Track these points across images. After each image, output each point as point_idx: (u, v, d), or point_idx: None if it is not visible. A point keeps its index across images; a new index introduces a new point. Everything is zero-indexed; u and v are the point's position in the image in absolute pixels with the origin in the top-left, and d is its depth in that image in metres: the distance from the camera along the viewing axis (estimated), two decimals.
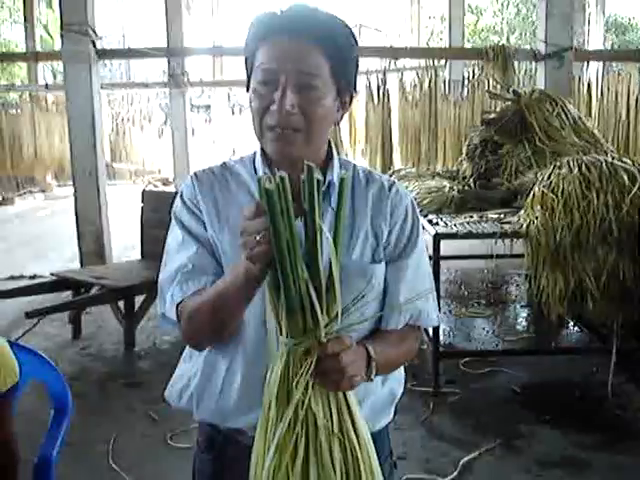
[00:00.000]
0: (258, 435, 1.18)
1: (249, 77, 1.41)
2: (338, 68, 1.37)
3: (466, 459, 3.36)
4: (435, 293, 1.52)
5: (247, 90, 1.43)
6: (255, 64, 1.37)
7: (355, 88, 1.44)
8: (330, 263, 1.13)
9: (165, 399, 1.59)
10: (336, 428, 1.13)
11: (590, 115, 7.86)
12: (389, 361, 1.40)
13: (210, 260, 1.42)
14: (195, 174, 1.49)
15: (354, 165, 1.51)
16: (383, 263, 1.44)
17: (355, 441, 1.14)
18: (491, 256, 5.04)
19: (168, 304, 1.42)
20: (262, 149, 1.45)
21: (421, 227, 1.52)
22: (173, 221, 1.47)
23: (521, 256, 4.17)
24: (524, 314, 5.83)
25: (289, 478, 1.13)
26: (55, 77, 19.57)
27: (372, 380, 1.32)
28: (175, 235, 1.46)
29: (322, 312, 1.11)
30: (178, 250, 1.44)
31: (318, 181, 1.11)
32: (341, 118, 1.45)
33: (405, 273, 1.45)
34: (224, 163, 1.52)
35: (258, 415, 1.20)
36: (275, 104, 1.33)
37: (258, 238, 1.12)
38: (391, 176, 3.96)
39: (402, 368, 1.56)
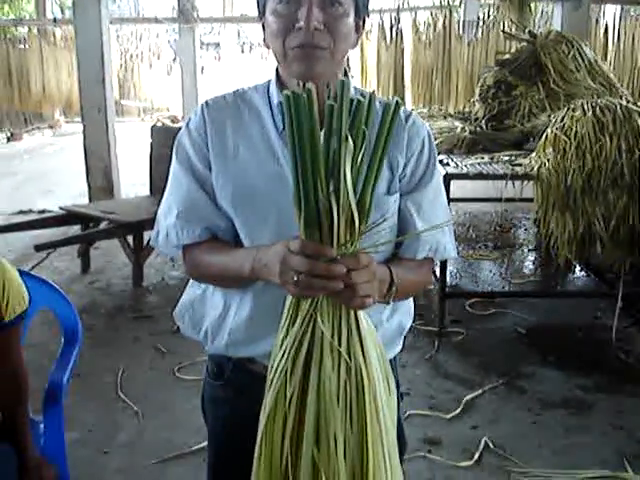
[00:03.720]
0: (272, 354, 1.18)
1: (262, 1, 1.38)
2: None
3: (469, 397, 3.41)
4: (452, 226, 1.52)
5: (260, 17, 1.40)
6: None
7: (368, 11, 1.42)
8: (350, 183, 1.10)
9: (175, 322, 1.59)
10: (343, 348, 1.13)
11: (606, 59, 7.73)
12: (407, 287, 1.40)
13: (206, 199, 1.41)
14: (206, 103, 1.46)
15: (369, 94, 1.49)
16: (397, 195, 1.42)
17: (362, 365, 1.14)
18: (500, 199, 5.02)
19: (161, 240, 1.45)
20: (277, 76, 1.43)
21: (437, 160, 1.50)
22: (175, 149, 1.45)
23: (530, 200, 4.15)
24: (531, 258, 5.83)
25: (291, 403, 1.14)
26: (63, 11, 19.26)
27: (389, 303, 1.33)
28: (175, 166, 1.45)
29: (339, 229, 1.10)
30: (176, 183, 1.44)
31: (351, 99, 1.09)
32: (356, 42, 1.42)
33: (421, 205, 1.44)
34: (237, 90, 1.49)
35: (269, 343, 1.21)
36: (300, 22, 1.30)
37: (295, 278, 1.11)
38: None
39: (412, 300, 1.57)
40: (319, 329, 1.13)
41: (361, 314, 1.17)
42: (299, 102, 1.06)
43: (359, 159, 1.11)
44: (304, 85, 1.08)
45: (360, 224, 1.11)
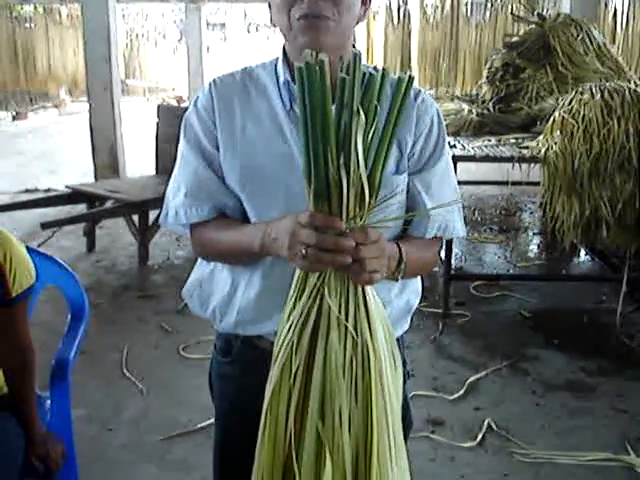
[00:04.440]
0: (279, 328, 1.19)
1: None
2: None
3: (473, 378, 3.42)
4: (461, 205, 1.51)
5: None
6: None
7: None
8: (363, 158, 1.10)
9: (182, 299, 1.60)
10: (350, 323, 1.14)
11: (614, 42, 7.69)
12: (415, 265, 1.40)
13: (214, 178, 1.41)
14: (214, 81, 1.46)
15: (382, 69, 1.48)
16: (406, 174, 1.42)
17: (369, 340, 1.14)
18: (506, 183, 5.02)
19: (171, 219, 1.45)
20: (284, 54, 1.42)
21: (447, 138, 1.49)
22: (183, 128, 1.45)
23: (536, 184, 4.15)
24: (536, 241, 5.83)
25: (297, 376, 1.15)
26: None
27: (397, 280, 1.33)
28: (183, 145, 1.45)
29: (348, 202, 1.10)
30: (184, 162, 1.44)
31: (363, 73, 1.09)
32: (364, 16, 1.41)
33: (430, 184, 1.43)
34: (245, 68, 1.49)
35: (277, 321, 1.21)
36: None
37: (304, 252, 1.12)
38: None
39: (419, 279, 1.57)
40: (326, 303, 1.14)
41: (369, 290, 1.17)
42: (311, 72, 1.06)
43: (370, 134, 1.10)
44: (317, 55, 1.08)
45: (370, 198, 1.11)
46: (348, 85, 1.07)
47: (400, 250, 1.32)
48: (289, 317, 1.16)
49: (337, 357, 1.13)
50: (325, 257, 1.11)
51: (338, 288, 1.15)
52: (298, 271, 1.18)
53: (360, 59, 1.08)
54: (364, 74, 1.09)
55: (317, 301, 1.14)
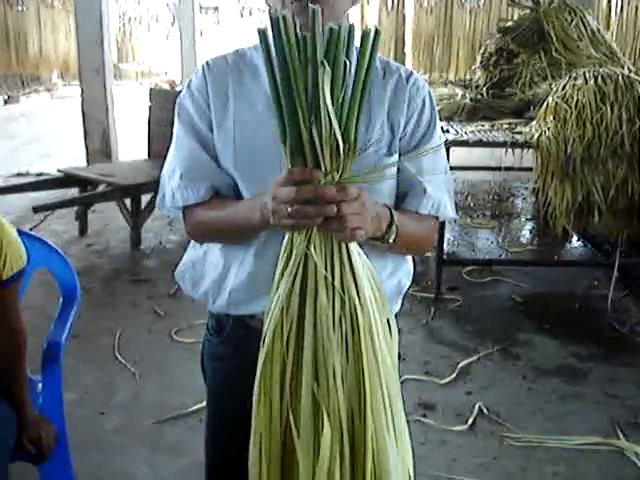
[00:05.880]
0: (271, 295, 1.19)
1: None
2: None
3: (464, 363, 3.43)
4: (452, 188, 1.51)
5: None
6: None
7: None
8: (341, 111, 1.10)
9: (175, 280, 1.59)
10: (337, 282, 1.14)
11: (608, 28, 7.67)
12: (409, 235, 1.39)
13: (208, 160, 1.41)
14: (207, 63, 1.45)
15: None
16: (397, 155, 1.42)
17: (356, 298, 1.14)
18: (499, 168, 5.02)
19: (168, 202, 1.45)
20: None
21: (438, 119, 1.49)
22: (177, 111, 1.45)
23: (529, 169, 4.15)
24: (529, 227, 5.84)
25: (289, 339, 1.15)
26: None
27: (388, 242, 1.31)
28: (178, 128, 1.45)
29: (324, 158, 1.09)
30: (179, 145, 1.44)
31: (331, 28, 1.08)
32: None
33: (422, 164, 1.43)
34: (237, 50, 1.48)
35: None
36: None
37: (289, 210, 1.10)
38: None
39: (411, 261, 1.57)
40: (312, 264, 1.14)
41: (353, 247, 1.17)
42: (276, 27, 1.06)
43: (341, 89, 1.10)
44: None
45: (349, 151, 1.11)
46: (309, 40, 1.06)
47: (391, 212, 1.31)
48: (278, 284, 1.16)
49: (327, 316, 1.13)
50: (309, 210, 1.10)
51: (323, 247, 1.14)
52: (286, 239, 1.17)
53: (318, 15, 1.06)
54: (331, 29, 1.08)
55: (303, 262, 1.14)
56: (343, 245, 1.16)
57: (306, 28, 1.08)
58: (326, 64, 1.07)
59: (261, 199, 1.25)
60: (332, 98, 1.08)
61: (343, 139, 1.09)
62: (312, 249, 1.13)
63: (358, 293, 1.15)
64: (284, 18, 1.06)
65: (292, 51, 1.07)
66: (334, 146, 1.09)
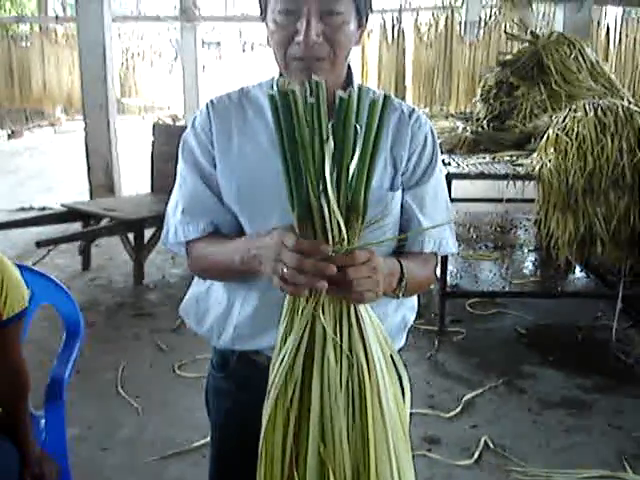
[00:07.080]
0: (275, 352, 1.18)
1: (264, 6, 1.38)
2: None
3: (469, 396, 3.41)
4: (452, 222, 1.52)
5: (262, 18, 1.40)
6: None
7: (371, 6, 1.41)
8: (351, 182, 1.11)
9: (180, 317, 1.60)
10: (344, 344, 1.13)
11: (607, 60, 7.74)
12: (416, 282, 1.40)
13: (210, 196, 1.42)
14: (211, 101, 1.47)
15: (373, 91, 1.48)
16: (400, 191, 1.43)
17: (363, 360, 1.14)
18: (501, 200, 5.02)
19: (171, 238, 1.46)
20: (280, 73, 1.43)
21: (440, 156, 1.50)
22: (181, 149, 1.47)
23: (531, 201, 4.16)
24: (531, 258, 5.83)
25: (292, 404, 1.14)
26: (65, 9, 19.24)
27: (398, 297, 1.32)
28: (181, 165, 1.47)
29: (332, 228, 1.10)
30: (183, 181, 1.46)
31: (341, 98, 1.08)
32: (360, 38, 1.42)
33: (423, 200, 1.44)
34: (242, 88, 1.50)
35: (274, 335, 1.21)
36: (300, 35, 1.30)
37: (286, 271, 1.11)
38: None
39: (415, 296, 1.57)
40: (320, 325, 1.13)
41: (362, 308, 1.17)
42: (284, 101, 1.07)
43: (353, 157, 1.10)
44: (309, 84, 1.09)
45: (358, 222, 1.12)
46: (315, 112, 1.08)
47: (402, 266, 1.32)
48: (283, 340, 1.16)
49: (335, 378, 1.12)
50: (300, 279, 1.10)
51: (331, 309, 1.15)
52: (289, 304, 1.18)
53: (322, 86, 1.08)
54: (341, 99, 1.08)
55: (310, 323, 1.14)
56: (351, 306, 1.16)
57: (311, 92, 1.09)
58: (331, 139, 1.08)
59: (247, 244, 1.26)
60: (341, 168, 1.09)
61: (351, 209, 1.10)
62: (320, 312, 1.13)
63: (367, 356, 1.15)
64: (293, 92, 1.07)
65: (301, 125, 1.07)
66: (342, 216, 1.10)
